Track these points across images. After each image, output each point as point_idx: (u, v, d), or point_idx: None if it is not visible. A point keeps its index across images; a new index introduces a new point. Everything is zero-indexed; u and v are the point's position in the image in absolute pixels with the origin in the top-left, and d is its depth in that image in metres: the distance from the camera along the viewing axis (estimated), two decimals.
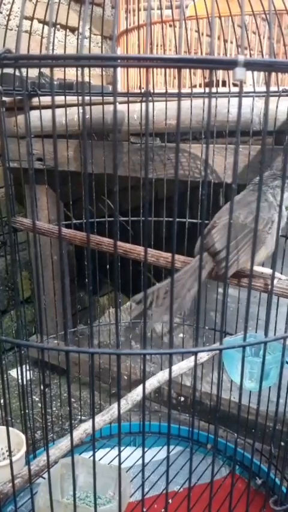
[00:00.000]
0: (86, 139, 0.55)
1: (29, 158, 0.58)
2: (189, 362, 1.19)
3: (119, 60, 0.52)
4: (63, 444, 0.95)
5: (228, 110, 1.33)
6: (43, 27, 2.01)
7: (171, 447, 1.59)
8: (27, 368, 1.71)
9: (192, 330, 1.76)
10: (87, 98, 1.40)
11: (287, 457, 1.15)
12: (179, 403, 1.85)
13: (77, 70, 1.07)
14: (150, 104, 1.42)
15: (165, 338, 2.01)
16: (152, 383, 1.10)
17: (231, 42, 2.03)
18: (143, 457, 0.67)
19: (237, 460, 1.51)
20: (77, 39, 2.07)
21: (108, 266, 1.47)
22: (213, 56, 0.45)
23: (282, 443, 1.30)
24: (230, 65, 0.45)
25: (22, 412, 1.66)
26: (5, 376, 1.60)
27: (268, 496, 1.20)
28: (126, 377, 1.91)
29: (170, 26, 2.05)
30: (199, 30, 1.33)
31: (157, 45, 2.17)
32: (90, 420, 0.99)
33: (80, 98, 1.39)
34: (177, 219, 1.46)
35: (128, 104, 1.44)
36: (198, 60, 0.47)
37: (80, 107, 1.57)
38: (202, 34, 1.79)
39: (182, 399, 1.84)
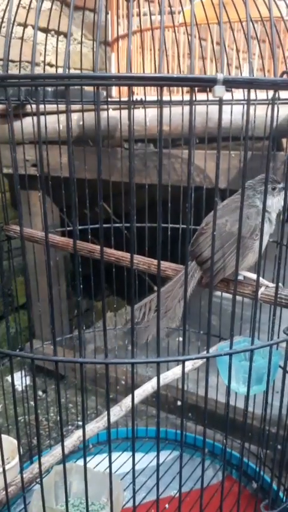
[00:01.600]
0: (71, 148, 0.56)
1: (16, 171, 0.59)
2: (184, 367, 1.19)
3: (113, 79, 0.53)
4: (58, 451, 0.96)
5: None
6: (35, 33, 2.02)
7: (168, 451, 1.60)
8: (24, 374, 1.71)
9: (194, 334, 1.77)
10: (79, 106, 1.41)
11: (282, 460, 1.16)
12: (176, 407, 1.86)
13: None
14: (142, 110, 1.44)
15: (163, 343, 2.02)
16: (146, 389, 1.11)
17: (228, 46, 2.04)
18: (133, 463, 0.68)
19: (233, 464, 1.52)
20: (70, 40, 2.07)
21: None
22: (193, 75, 0.46)
23: (279, 446, 1.30)
24: (209, 83, 0.46)
25: (20, 419, 1.67)
26: (1, 383, 1.61)
27: (261, 500, 1.21)
28: (123, 382, 1.92)
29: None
30: (188, 36, 1.34)
31: (150, 50, 2.18)
32: (85, 427, 0.99)
33: (72, 106, 1.40)
34: (171, 225, 1.48)
35: (120, 110, 1.45)
36: (178, 78, 0.48)
37: (73, 115, 1.58)
38: (195, 37, 1.80)
39: (179, 403, 1.84)
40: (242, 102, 1.29)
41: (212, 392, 1.50)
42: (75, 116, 1.62)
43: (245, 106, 1.28)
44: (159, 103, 0.50)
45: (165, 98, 1.42)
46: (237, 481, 1.47)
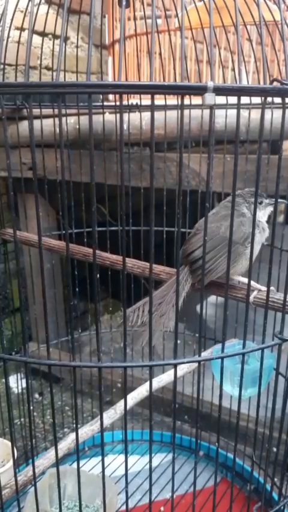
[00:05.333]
0: (63, 150, 0.56)
1: (10, 178, 0.60)
2: (179, 369, 1.20)
3: (108, 88, 0.54)
4: (52, 454, 0.96)
5: (215, 121, 1.34)
6: (29, 38, 2.04)
7: (164, 454, 1.61)
8: (20, 376, 1.72)
9: (191, 337, 1.78)
10: (75, 110, 1.42)
11: (277, 462, 1.16)
12: (172, 410, 1.86)
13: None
14: (138, 114, 1.44)
15: (160, 345, 2.02)
16: (141, 392, 1.12)
17: (225, 49, 2.05)
18: (126, 467, 0.68)
19: (229, 466, 1.52)
20: (63, 47, 2.08)
21: (98, 275, 1.49)
22: (184, 83, 0.47)
23: (275, 449, 1.31)
24: (199, 90, 0.47)
25: (17, 422, 1.67)
26: None
27: (255, 501, 1.21)
28: (119, 385, 1.92)
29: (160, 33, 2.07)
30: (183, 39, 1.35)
31: (147, 53, 2.19)
32: (79, 430, 1.00)
33: (68, 110, 1.41)
34: (166, 228, 1.48)
35: (115, 114, 1.46)
36: (169, 86, 0.49)
37: (70, 118, 1.59)
38: (191, 39, 1.81)
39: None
40: (235, 106, 1.30)
41: (208, 395, 1.50)
42: (71, 120, 1.63)
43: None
44: (151, 110, 0.51)
45: (160, 102, 1.42)
46: (233, 483, 1.48)
